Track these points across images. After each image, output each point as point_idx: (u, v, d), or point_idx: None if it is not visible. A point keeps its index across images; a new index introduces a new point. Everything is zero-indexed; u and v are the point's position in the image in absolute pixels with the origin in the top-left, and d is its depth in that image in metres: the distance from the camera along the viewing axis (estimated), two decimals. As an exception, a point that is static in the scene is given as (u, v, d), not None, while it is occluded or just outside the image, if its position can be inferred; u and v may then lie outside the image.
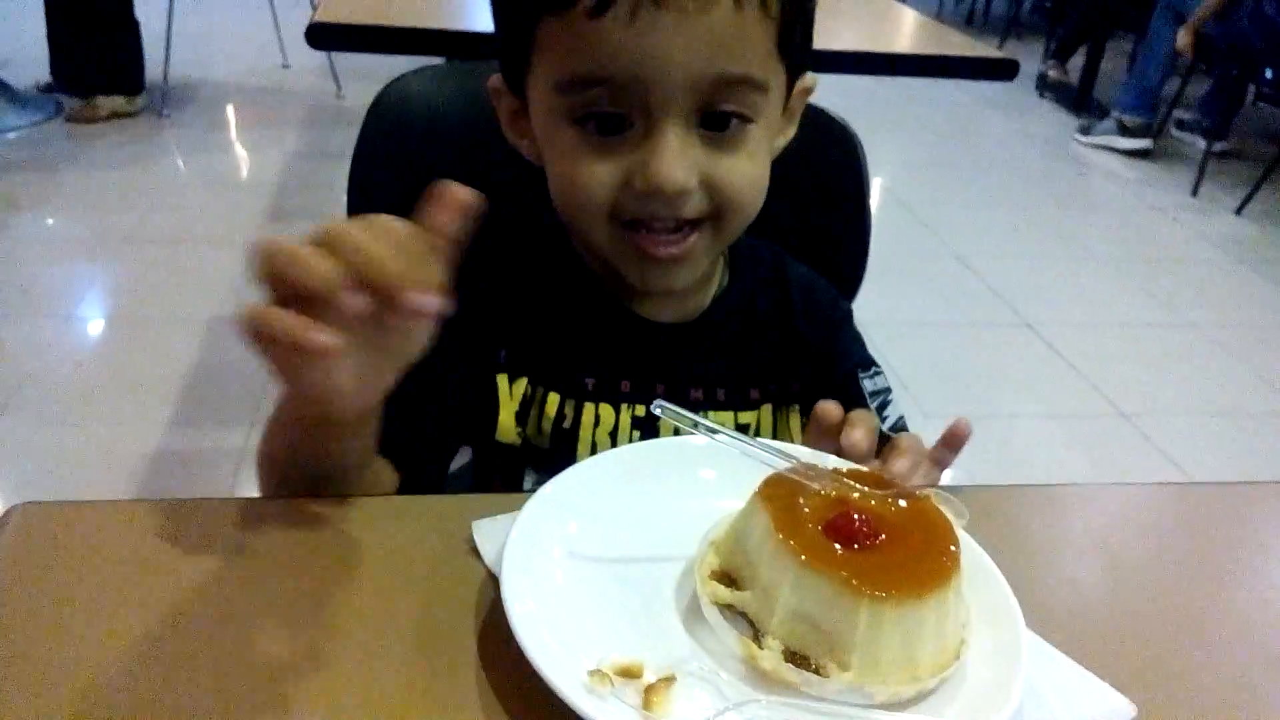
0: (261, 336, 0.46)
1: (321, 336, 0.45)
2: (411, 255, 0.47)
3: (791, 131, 0.79)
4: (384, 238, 0.47)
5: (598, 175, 0.68)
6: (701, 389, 0.82)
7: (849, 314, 0.92)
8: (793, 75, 0.73)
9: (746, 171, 0.70)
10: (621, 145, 0.68)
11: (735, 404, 0.83)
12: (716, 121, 0.68)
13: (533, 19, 0.67)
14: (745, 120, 0.69)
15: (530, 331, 0.80)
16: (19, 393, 2.13)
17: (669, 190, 0.67)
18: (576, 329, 0.80)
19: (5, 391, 2.12)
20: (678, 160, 0.66)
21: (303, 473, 0.61)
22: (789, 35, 0.69)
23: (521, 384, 0.79)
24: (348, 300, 0.45)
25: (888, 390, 0.84)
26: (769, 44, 0.68)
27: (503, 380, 0.79)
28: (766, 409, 0.84)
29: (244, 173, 3.55)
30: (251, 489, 2.01)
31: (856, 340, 0.90)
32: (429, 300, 0.46)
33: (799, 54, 0.73)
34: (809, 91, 0.79)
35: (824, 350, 0.86)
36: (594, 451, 0.76)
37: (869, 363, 0.86)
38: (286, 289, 0.46)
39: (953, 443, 0.68)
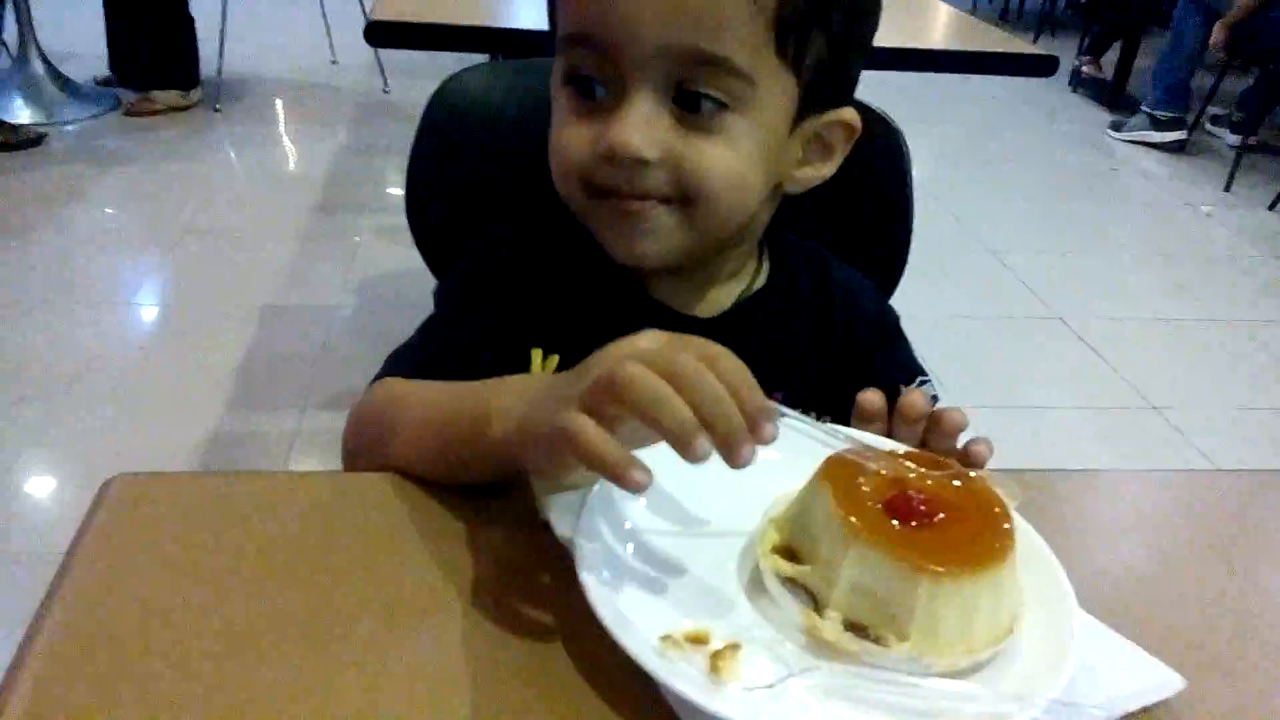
0: (581, 454, 0.49)
1: (640, 476, 0.48)
2: (745, 392, 0.50)
3: (827, 171, 0.76)
4: (730, 380, 0.49)
5: (573, 138, 0.69)
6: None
7: (896, 323, 0.89)
8: (813, 95, 0.71)
9: (721, 158, 0.68)
10: (596, 111, 0.68)
11: None
12: (689, 101, 0.67)
13: None
14: (721, 105, 0.67)
15: (563, 316, 0.79)
16: (82, 378, 2.19)
17: (624, 154, 0.66)
18: (605, 317, 0.79)
19: (67, 377, 2.18)
20: (638, 128, 0.66)
21: (444, 469, 0.63)
22: (786, 35, 0.67)
23: (553, 361, 0.78)
24: (696, 450, 0.48)
25: (935, 400, 0.81)
26: (758, 35, 0.66)
27: (536, 354, 0.78)
28: None
29: (294, 166, 3.62)
30: (304, 468, 2.03)
31: (905, 350, 0.88)
32: (755, 449, 0.49)
33: (823, 76, 0.70)
34: (852, 129, 0.75)
35: (865, 363, 0.84)
36: None
37: (916, 373, 0.85)
38: (631, 413, 0.49)
39: (914, 422, 0.67)
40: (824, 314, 0.85)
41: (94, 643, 0.49)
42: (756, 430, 0.49)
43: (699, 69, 0.65)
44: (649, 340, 0.53)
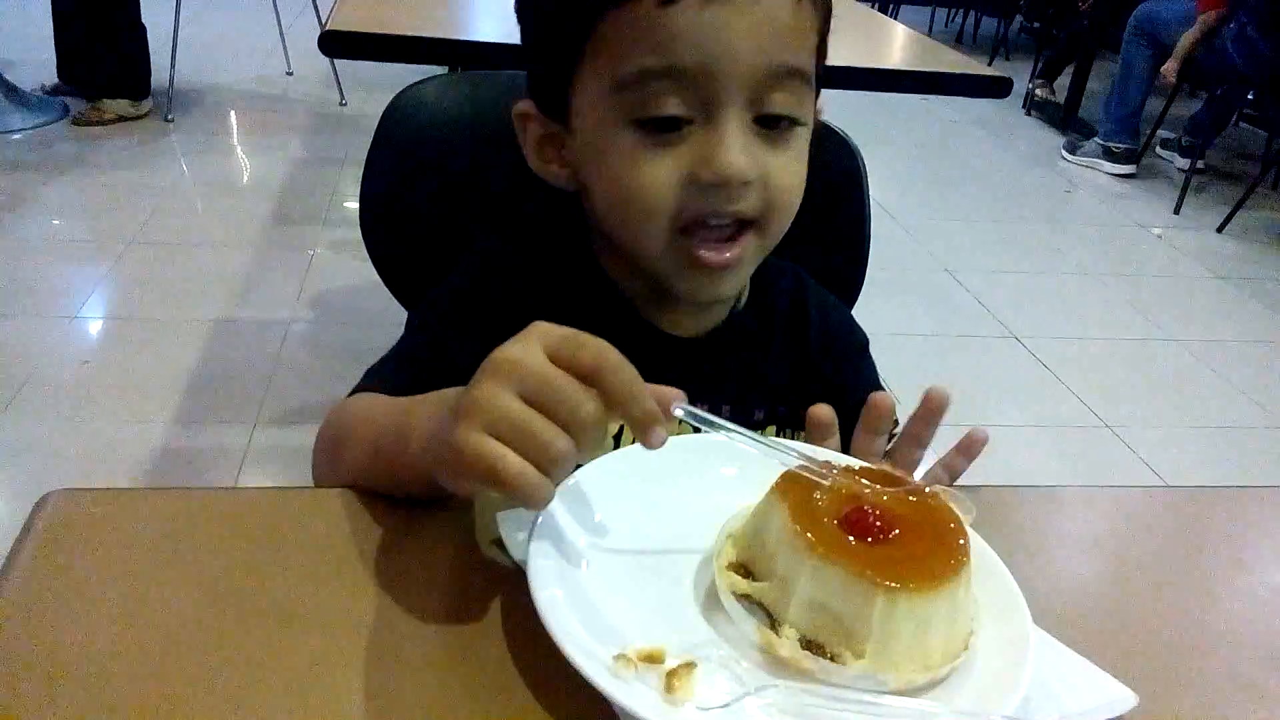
0: (496, 484, 0.49)
1: (548, 493, 0.50)
2: (631, 405, 0.51)
3: None
4: (614, 393, 0.50)
5: (660, 174, 0.67)
6: (707, 405, 0.81)
7: (865, 345, 0.92)
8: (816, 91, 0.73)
9: (796, 172, 0.70)
10: (681, 142, 0.67)
11: (739, 422, 0.82)
12: (769, 120, 0.67)
13: (593, 16, 0.65)
14: (794, 122, 0.69)
15: None
16: (23, 391, 2.14)
17: (736, 179, 0.66)
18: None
19: (10, 389, 2.13)
20: (742, 149, 0.66)
21: (382, 483, 0.63)
22: (824, 43, 0.69)
23: None
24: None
25: (895, 422, 0.84)
26: (815, 39, 0.68)
27: None
28: (770, 431, 0.83)
29: (247, 178, 3.57)
30: (254, 485, 2.00)
31: (871, 370, 0.90)
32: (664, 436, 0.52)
33: (819, 83, 0.72)
34: (817, 115, 0.78)
35: (837, 381, 0.85)
36: None
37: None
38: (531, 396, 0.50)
39: (968, 451, 0.69)
40: (800, 334, 0.86)
41: (25, 664, 0.48)
42: (645, 437, 0.51)
43: (779, 83, 0.66)
44: (535, 342, 0.52)
